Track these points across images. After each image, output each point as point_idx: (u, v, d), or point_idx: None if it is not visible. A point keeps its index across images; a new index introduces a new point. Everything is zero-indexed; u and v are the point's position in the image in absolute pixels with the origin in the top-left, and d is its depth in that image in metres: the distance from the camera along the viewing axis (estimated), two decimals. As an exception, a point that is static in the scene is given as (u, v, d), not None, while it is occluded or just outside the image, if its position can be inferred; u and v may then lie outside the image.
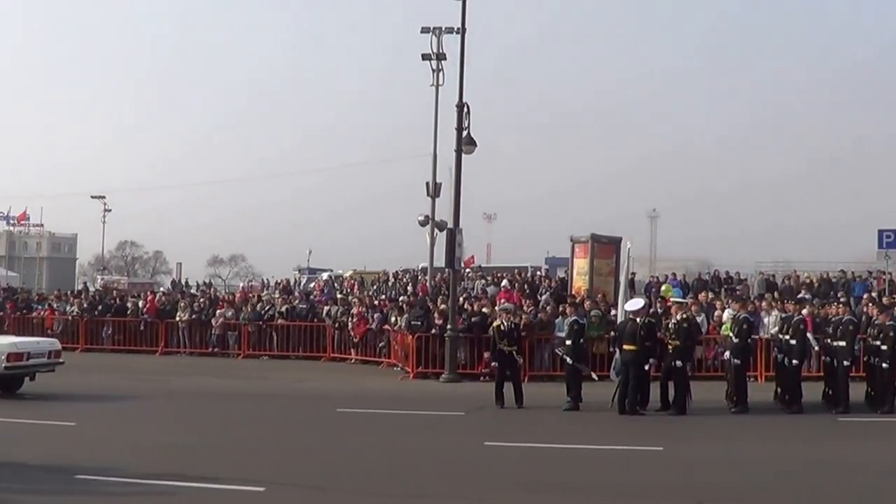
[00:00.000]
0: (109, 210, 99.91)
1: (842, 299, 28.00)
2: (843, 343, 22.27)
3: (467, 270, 48.96)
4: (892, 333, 22.02)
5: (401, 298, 37.45)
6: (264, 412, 23.00)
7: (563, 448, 17.87)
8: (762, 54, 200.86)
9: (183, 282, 63.87)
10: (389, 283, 49.46)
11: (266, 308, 37.98)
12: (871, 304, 26.17)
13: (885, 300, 29.80)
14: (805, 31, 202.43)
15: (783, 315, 24.28)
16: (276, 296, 42.85)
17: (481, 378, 27.94)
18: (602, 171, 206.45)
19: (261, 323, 36.99)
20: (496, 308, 30.01)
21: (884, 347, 21.94)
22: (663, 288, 39.38)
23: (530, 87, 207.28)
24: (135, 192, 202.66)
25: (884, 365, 21.93)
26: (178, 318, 38.47)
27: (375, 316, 34.15)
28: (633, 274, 48.30)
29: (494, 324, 24.48)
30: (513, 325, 23.85)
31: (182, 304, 39.30)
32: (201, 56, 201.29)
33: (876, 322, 22.96)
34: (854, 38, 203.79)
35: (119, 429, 19.88)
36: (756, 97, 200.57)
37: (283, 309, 37.53)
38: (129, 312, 40.00)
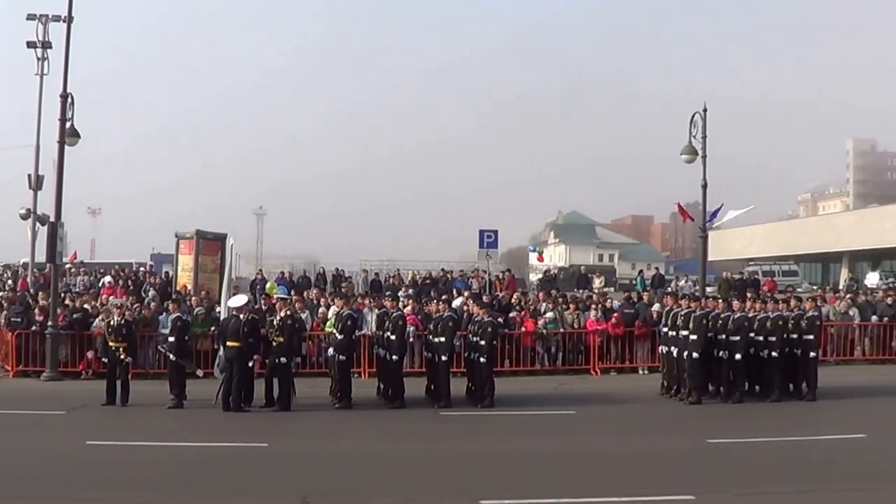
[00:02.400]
0: None
1: (443, 297, 28.86)
2: (442, 339, 23.13)
3: (70, 266, 47.77)
4: (490, 329, 23.10)
5: (0, 294, 36.08)
6: None
7: (167, 446, 17.85)
8: (361, 53, 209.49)
9: None
10: (-11, 279, 47.65)
11: None
12: (471, 302, 27.11)
13: (485, 298, 31.04)
14: (395, 35, 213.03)
15: (381, 311, 24.82)
16: None
17: (83, 376, 27.39)
18: (211, 169, 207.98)
19: None
20: (99, 303, 29.56)
21: (482, 343, 22.97)
22: (268, 285, 39.86)
23: (144, 84, 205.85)
24: None
25: (482, 360, 22.97)
26: None
27: (-28, 313, 32.80)
28: (260, 271, 48.75)
29: (106, 320, 24.07)
30: (122, 322, 23.43)
31: None
32: None
33: (476, 319, 23.92)
34: (439, 44, 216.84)
35: None
36: (343, 95, 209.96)
37: None
38: None
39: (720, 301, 25.09)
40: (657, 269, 56.07)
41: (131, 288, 39.25)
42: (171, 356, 23.01)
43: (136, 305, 28.83)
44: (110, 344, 23.11)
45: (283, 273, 46.70)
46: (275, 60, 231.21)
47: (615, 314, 29.74)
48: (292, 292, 33.51)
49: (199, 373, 24.39)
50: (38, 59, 43.13)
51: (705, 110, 31.45)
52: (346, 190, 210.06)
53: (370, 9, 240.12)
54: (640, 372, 29.15)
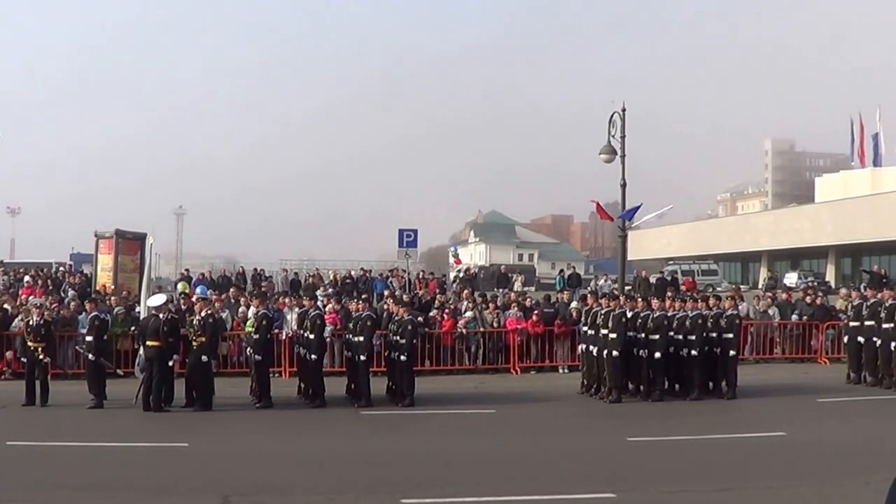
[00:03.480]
0: None
1: (363, 296, 28.79)
2: (361, 338, 23.10)
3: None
4: (409, 327, 23.14)
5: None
6: None
7: (87, 446, 17.72)
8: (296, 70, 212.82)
9: None
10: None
11: None
12: (390, 301, 27.10)
13: (405, 297, 31.00)
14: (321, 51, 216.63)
15: (300, 310, 24.78)
16: None
17: (2, 376, 27.05)
18: (134, 171, 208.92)
19: None
20: (19, 303, 29.20)
21: (402, 341, 23.00)
22: (180, 285, 39.72)
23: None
24: None
25: (402, 358, 23.01)
26: None
27: None
28: (187, 270, 48.49)
29: (25, 320, 23.82)
30: (41, 322, 23.15)
31: None
32: None
33: (396, 318, 23.94)
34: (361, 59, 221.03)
35: None
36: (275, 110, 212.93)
37: None
38: None
39: (639, 300, 25.27)
40: (573, 268, 56.22)
41: (50, 288, 38.85)
42: (90, 356, 22.82)
43: (55, 305, 28.53)
44: (29, 344, 22.88)
45: (203, 274, 46.50)
46: (212, 84, 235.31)
47: (535, 312, 29.83)
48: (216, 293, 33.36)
49: (120, 371, 24.26)
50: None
51: (624, 110, 31.62)
52: (268, 204, 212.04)
53: (291, 31, 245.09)
54: (561, 371, 29.22)
